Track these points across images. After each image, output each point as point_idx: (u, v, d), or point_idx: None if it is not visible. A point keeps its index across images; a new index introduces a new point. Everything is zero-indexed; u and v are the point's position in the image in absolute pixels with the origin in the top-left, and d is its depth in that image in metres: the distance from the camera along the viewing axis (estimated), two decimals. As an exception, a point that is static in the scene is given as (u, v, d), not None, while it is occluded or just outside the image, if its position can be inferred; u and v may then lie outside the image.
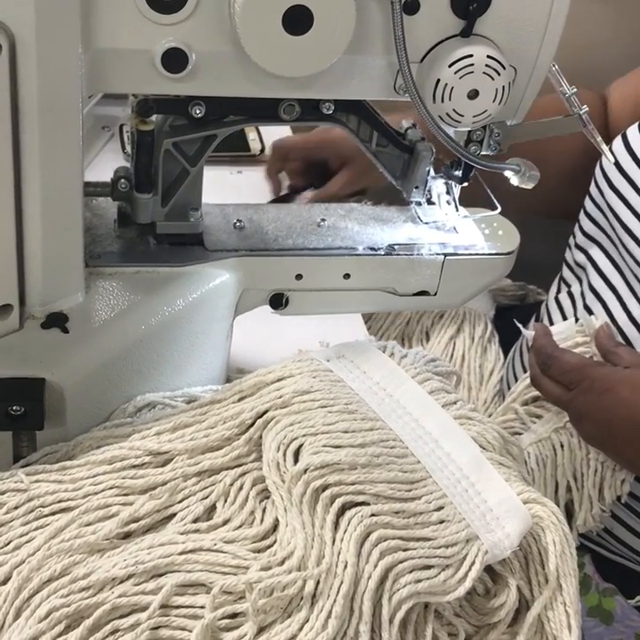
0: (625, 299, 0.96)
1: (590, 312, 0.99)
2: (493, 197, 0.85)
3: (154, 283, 0.74)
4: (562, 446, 0.90)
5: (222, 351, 0.80)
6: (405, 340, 1.08)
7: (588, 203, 1.03)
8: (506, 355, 1.07)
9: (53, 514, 0.64)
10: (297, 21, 0.63)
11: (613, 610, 0.95)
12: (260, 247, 0.78)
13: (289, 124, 0.76)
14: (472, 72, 0.68)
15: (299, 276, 0.79)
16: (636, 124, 0.97)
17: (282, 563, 0.59)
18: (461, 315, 1.08)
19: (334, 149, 1.10)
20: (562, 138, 0.81)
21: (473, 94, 0.69)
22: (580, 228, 1.04)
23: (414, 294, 0.83)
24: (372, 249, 0.80)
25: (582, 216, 1.04)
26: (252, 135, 1.22)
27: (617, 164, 0.96)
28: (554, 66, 0.73)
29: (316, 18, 0.63)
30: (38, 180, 0.65)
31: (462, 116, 0.70)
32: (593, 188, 1.01)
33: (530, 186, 0.79)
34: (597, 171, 1.00)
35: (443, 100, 0.69)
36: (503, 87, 0.69)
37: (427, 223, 0.83)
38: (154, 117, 0.72)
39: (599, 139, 0.78)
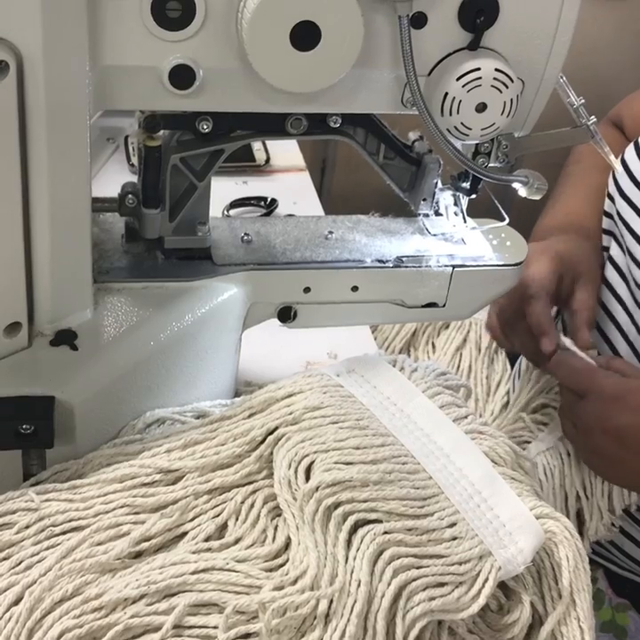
0: (631, 310, 0.95)
1: (597, 323, 0.99)
2: (501, 208, 0.85)
3: (162, 298, 0.74)
4: (568, 454, 0.89)
5: (231, 365, 0.80)
6: (411, 350, 1.08)
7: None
8: (512, 365, 1.07)
9: (64, 533, 0.63)
10: (304, 37, 0.63)
11: (627, 625, 0.94)
12: (268, 260, 0.78)
13: (296, 138, 0.76)
14: (480, 85, 0.68)
15: (307, 289, 0.79)
16: None
17: (295, 582, 0.59)
18: (467, 325, 1.07)
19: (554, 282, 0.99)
20: None
21: (481, 107, 0.69)
22: None
23: (423, 306, 0.83)
24: (380, 261, 0.80)
25: None
26: (257, 146, 1.22)
27: (629, 173, 0.96)
28: (562, 77, 0.73)
29: (324, 34, 0.63)
30: (46, 197, 0.65)
31: (470, 129, 0.70)
32: (605, 199, 1.01)
33: (537, 197, 0.79)
34: (610, 180, 1.00)
35: (450, 114, 0.69)
36: (511, 100, 0.69)
37: (434, 235, 0.83)
38: (161, 133, 0.72)
39: (607, 149, 0.78)
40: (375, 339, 1.00)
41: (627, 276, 0.97)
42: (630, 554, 0.98)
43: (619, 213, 0.97)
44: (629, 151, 0.97)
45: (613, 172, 0.98)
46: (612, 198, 0.99)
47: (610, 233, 1.01)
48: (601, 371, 0.87)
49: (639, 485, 0.86)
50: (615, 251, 1.00)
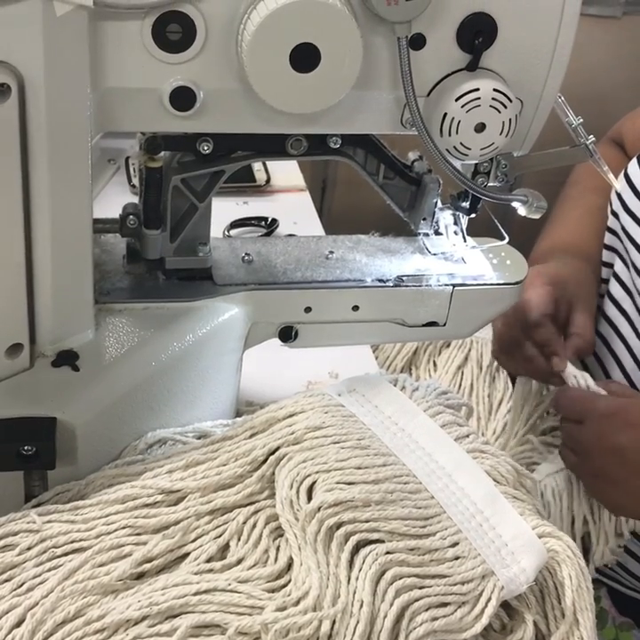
0: (636, 324, 0.95)
1: (603, 338, 0.99)
2: (501, 227, 0.85)
3: (163, 318, 0.74)
4: (578, 478, 0.89)
5: (232, 385, 0.80)
6: (413, 369, 1.08)
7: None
8: (513, 384, 1.07)
9: (66, 554, 0.63)
10: (304, 59, 0.63)
11: (631, 644, 0.94)
12: (269, 280, 0.78)
13: (296, 159, 0.76)
14: (479, 105, 0.68)
15: (308, 309, 0.79)
16: None
17: (297, 603, 0.59)
18: (468, 343, 1.07)
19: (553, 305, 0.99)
20: None
21: (480, 127, 0.69)
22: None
23: (423, 325, 0.83)
24: (381, 280, 0.80)
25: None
26: (257, 166, 1.23)
27: (633, 187, 0.96)
28: (560, 97, 0.73)
29: (324, 55, 0.63)
30: (48, 219, 0.65)
31: (469, 149, 0.70)
32: (609, 215, 1.01)
33: (537, 216, 0.79)
34: (613, 196, 1.00)
35: (450, 134, 0.69)
36: (510, 120, 0.69)
37: (435, 254, 0.83)
38: (162, 154, 0.72)
39: (606, 168, 0.78)
40: (376, 358, 1.00)
41: (631, 290, 0.97)
42: (634, 572, 0.97)
43: (623, 228, 0.97)
44: (633, 166, 0.98)
45: (616, 188, 0.99)
46: (616, 214, 0.99)
47: (613, 249, 1.02)
48: (595, 394, 0.88)
49: None
50: (619, 266, 1.00)
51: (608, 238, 1.02)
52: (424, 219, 0.81)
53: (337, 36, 0.63)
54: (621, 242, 0.99)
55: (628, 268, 0.98)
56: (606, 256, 1.03)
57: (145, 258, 0.76)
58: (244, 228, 1.15)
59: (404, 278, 0.81)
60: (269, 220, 1.16)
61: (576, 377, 0.90)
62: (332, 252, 0.82)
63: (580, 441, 0.86)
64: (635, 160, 0.98)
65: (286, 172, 1.26)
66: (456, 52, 0.67)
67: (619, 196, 0.98)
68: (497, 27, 0.67)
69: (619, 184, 0.84)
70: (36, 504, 0.67)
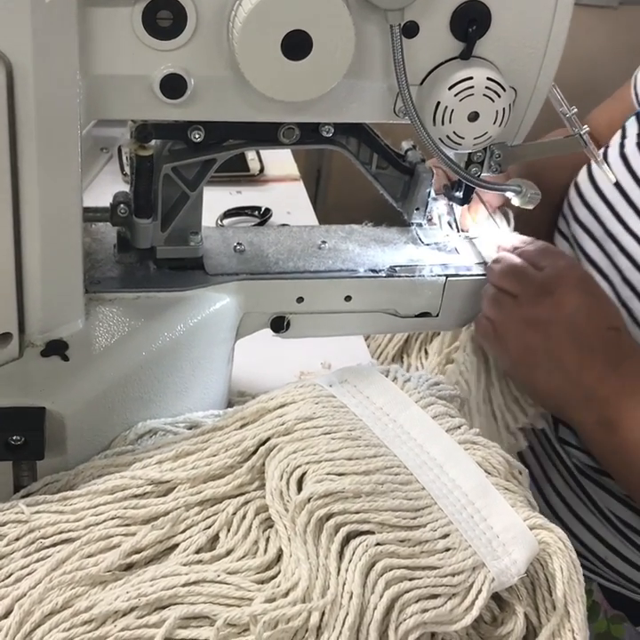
0: None
1: None
2: (494, 217, 0.85)
3: (154, 308, 0.74)
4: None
5: (224, 375, 0.79)
6: (405, 357, 1.07)
7: (561, 222, 1.02)
8: None
9: (54, 545, 0.63)
10: (296, 46, 0.63)
11: (622, 637, 0.94)
12: (261, 270, 0.78)
13: (288, 148, 0.75)
14: (472, 94, 0.68)
15: (300, 299, 0.79)
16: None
17: (286, 594, 0.58)
18: (460, 331, 1.06)
19: None
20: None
21: (473, 116, 0.69)
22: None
23: (416, 316, 0.83)
24: (373, 271, 0.80)
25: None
26: (251, 155, 1.22)
27: (582, 198, 0.96)
28: (554, 86, 0.73)
29: (316, 43, 0.62)
30: (37, 207, 0.65)
31: (463, 138, 0.70)
32: (560, 219, 1.00)
33: (530, 206, 0.79)
34: (566, 200, 0.99)
35: (443, 123, 0.68)
36: (503, 109, 0.69)
37: (428, 245, 0.83)
38: (153, 142, 0.72)
39: (600, 158, 0.78)
40: (368, 346, 1.00)
41: None
42: (614, 567, 0.97)
43: (574, 238, 0.97)
44: (582, 174, 0.97)
45: (568, 194, 0.98)
46: (565, 219, 0.99)
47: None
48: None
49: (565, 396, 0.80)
50: None
51: (559, 241, 1.01)
52: (417, 209, 0.81)
53: (329, 23, 0.62)
54: (573, 250, 0.98)
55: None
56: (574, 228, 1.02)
57: (136, 247, 0.76)
58: (237, 217, 1.14)
59: (396, 268, 0.80)
60: (263, 209, 1.15)
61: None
62: (324, 242, 0.82)
63: (510, 314, 0.79)
64: (584, 169, 0.98)
65: (280, 161, 1.25)
66: (449, 40, 0.67)
67: (569, 204, 0.98)
68: (491, 15, 0.66)
69: (612, 176, 0.84)
70: (25, 494, 0.67)
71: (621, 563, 0.96)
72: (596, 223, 0.94)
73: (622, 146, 0.95)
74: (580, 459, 0.94)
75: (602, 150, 0.97)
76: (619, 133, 0.97)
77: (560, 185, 1.02)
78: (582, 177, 0.97)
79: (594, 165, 0.97)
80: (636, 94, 1.02)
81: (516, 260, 0.80)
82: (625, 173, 0.93)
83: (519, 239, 0.84)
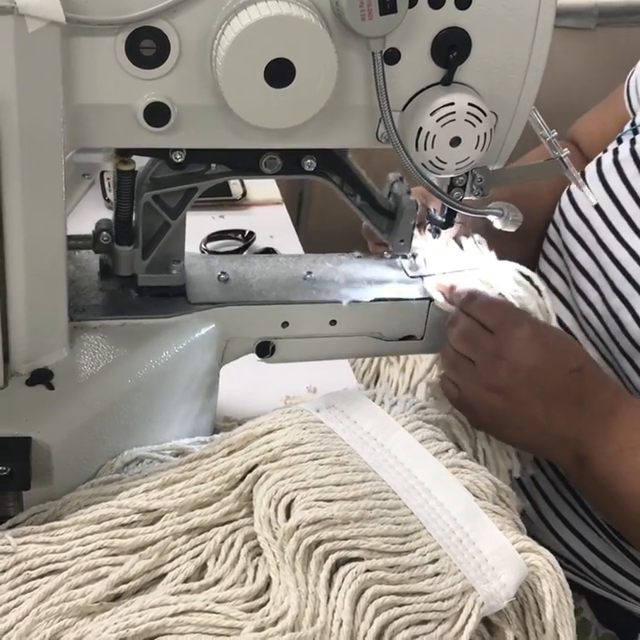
0: (581, 343, 0.95)
1: None
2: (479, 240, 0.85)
3: (139, 335, 0.74)
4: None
5: (209, 402, 0.79)
6: (387, 365, 1.05)
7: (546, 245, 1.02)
8: None
9: (42, 576, 0.62)
10: (279, 74, 0.63)
11: (613, 656, 0.94)
12: (243, 300, 0.78)
13: (271, 178, 0.75)
14: (454, 120, 0.68)
15: (285, 324, 0.79)
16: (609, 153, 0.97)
17: (275, 623, 0.58)
18: None
19: None
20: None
21: (455, 141, 0.69)
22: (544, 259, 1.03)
23: (400, 339, 0.83)
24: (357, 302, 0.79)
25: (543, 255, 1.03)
26: (233, 180, 1.22)
27: (575, 206, 0.96)
28: (534, 110, 0.73)
29: (298, 71, 0.63)
30: (21, 235, 0.65)
31: (445, 163, 0.70)
32: (550, 226, 1.01)
33: (512, 229, 0.79)
34: (557, 208, 0.99)
35: (425, 148, 0.69)
36: (485, 134, 0.69)
37: (413, 278, 0.83)
38: (134, 158, 0.71)
39: (580, 181, 0.78)
40: (353, 364, 0.99)
41: (573, 308, 0.97)
42: (603, 574, 0.97)
43: (565, 245, 0.97)
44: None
45: (560, 201, 0.99)
46: (557, 228, 0.99)
47: (551, 264, 1.01)
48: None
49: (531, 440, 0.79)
50: (557, 280, 0.99)
51: (548, 249, 1.02)
52: (402, 241, 0.81)
53: (311, 51, 0.63)
54: (561, 257, 0.98)
55: (568, 285, 0.98)
56: (544, 268, 1.02)
57: (117, 274, 0.75)
58: (221, 240, 1.14)
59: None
60: (247, 232, 1.15)
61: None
62: (310, 273, 0.81)
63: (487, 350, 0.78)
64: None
65: (262, 185, 1.25)
66: (431, 66, 0.67)
67: (560, 211, 0.98)
68: (471, 41, 0.67)
69: (593, 198, 0.84)
70: (11, 525, 0.66)
71: (611, 570, 0.96)
72: (588, 231, 0.95)
73: (616, 152, 0.95)
74: None
75: (594, 161, 0.98)
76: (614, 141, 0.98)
77: (550, 192, 1.02)
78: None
79: (586, 169, 0.97)
80: (629, 101, 1.03)
81: (466, 321, 0.79)
82: (618, 181, 0.94)
83: (453, 279, 0.82)
